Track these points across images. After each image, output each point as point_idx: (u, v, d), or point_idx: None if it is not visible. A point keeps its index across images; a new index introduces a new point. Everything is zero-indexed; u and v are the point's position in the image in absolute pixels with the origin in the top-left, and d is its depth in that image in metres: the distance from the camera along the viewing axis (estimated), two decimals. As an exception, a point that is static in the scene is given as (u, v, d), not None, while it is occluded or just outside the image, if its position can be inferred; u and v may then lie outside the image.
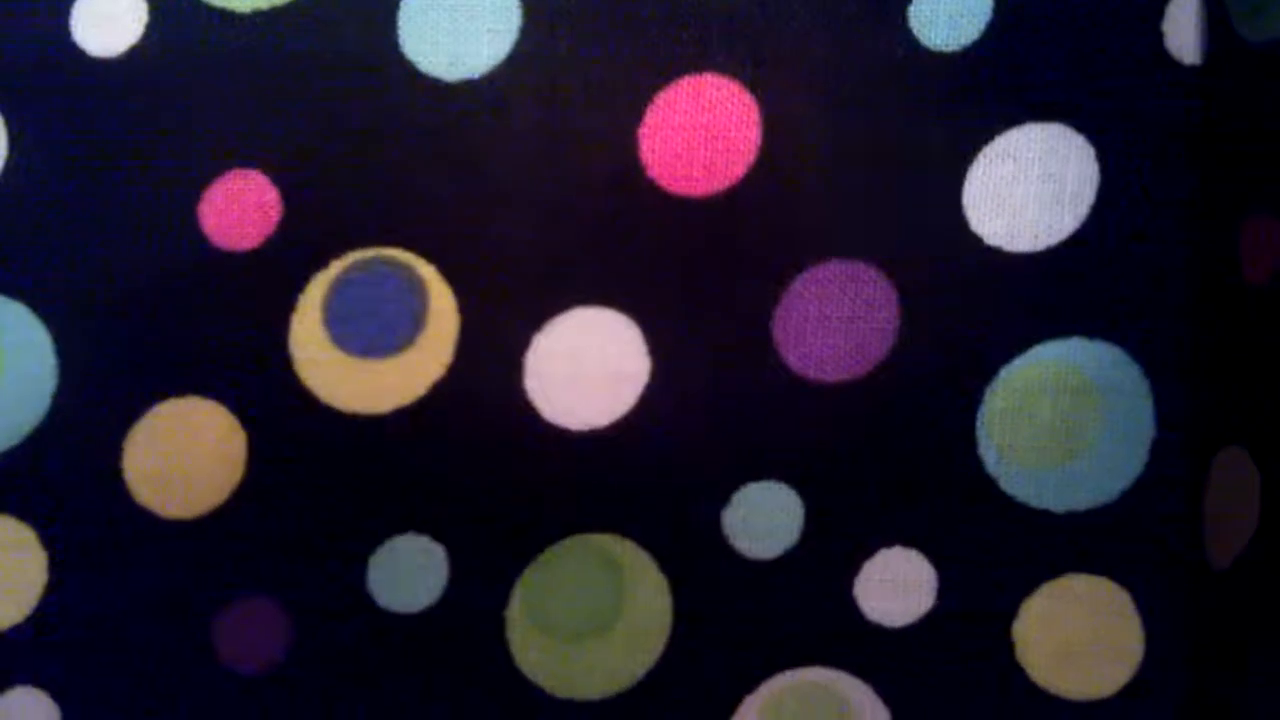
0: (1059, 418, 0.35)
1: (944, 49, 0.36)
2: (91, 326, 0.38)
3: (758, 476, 0.37)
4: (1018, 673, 0.36)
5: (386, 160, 0.38)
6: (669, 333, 0.37)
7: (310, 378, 0.38)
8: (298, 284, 0.38)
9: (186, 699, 0.38)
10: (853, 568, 0.36)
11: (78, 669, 0.38)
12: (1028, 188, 0.36)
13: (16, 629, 0.38)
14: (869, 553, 0.36)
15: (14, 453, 0.39)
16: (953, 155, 0.36)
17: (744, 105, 0.37)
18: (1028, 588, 0.35)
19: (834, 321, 0.37)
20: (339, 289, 0.38)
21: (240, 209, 0.38)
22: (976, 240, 0.36)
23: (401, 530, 0.38)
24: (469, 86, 0.38)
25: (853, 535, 0.36)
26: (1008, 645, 0.36)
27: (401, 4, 0.38)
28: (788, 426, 0.37)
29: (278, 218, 0.38)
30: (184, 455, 0.38)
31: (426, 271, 0.38)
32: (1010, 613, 0.36)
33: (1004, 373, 0.36)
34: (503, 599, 0.37)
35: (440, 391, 0.37)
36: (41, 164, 0.39)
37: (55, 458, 0.38)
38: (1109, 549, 0.35)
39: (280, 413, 0.38)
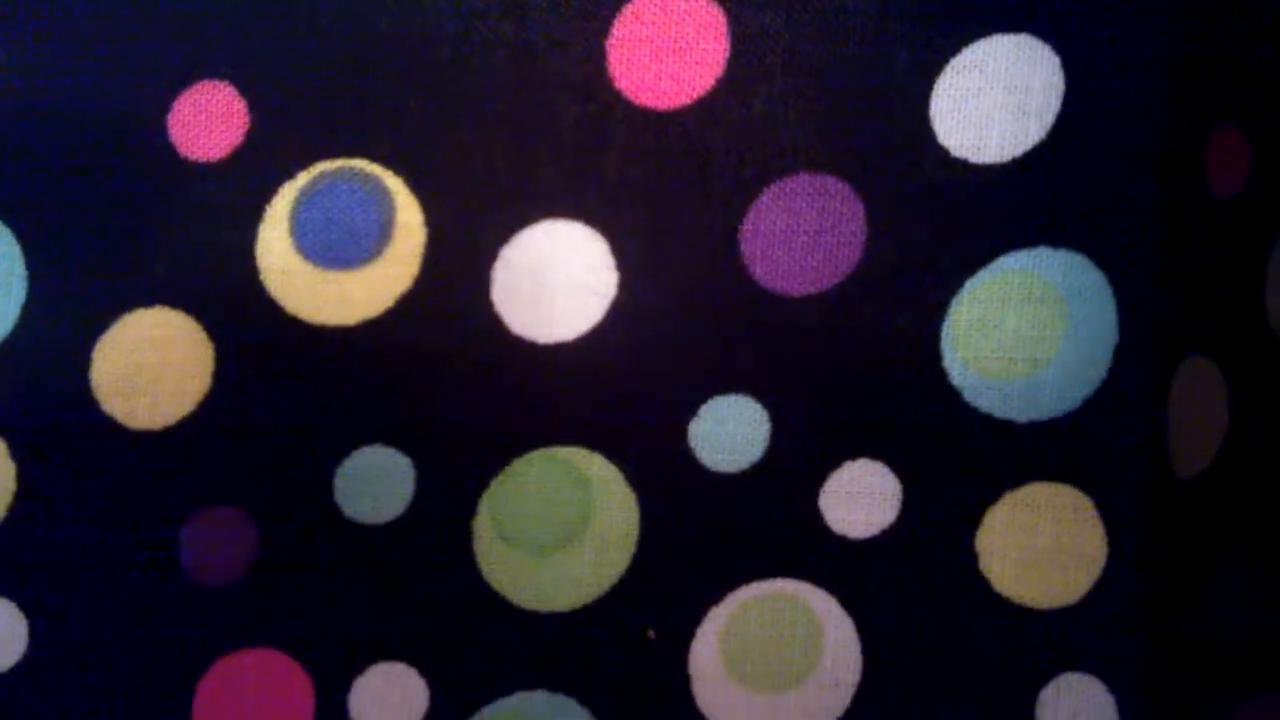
0: (1024, 327, 0.35)
1: (911, -40, 0.36)
2: (61, 236, 0.39)
3: (724, 390, 0.37)
4: (981, 582, 0.36)
5: (354, 72, 0.38)
6: (636, 246, 0.37)
7: (277, 289, 0.38)
8: (265, 195, 0.38)
9: (153, 609, 0.38)
10: (818, 480, 0.36)
11: (45, 580, 0.38)
12: (994, 98, 0.35)
13: (-16, 540, 0.39)
14: (834, 465, 0.36)
15: (-18, 363, 0.39)
16: (919, 67, 0.36)
17: (712, 17, 0.37)
18: (991, 497, 0.35)
19: (801, 234, 0.37)
20: (306, 200, 0.38)
21: (208, 119, 0.38)
22: (943, 152, 0.36)
23: (368, 442, 0.38)
24: (436, -3, 0.38)
25: (818, 448, 0.36)
26: (971, 555, 0.36)
27: (367, -84, 0.38)
28: (754, 340, 0.37)
29: (245, 128, 0.38)
30: (152, 366, 0.38)
31: (394, 183, 0.38)
32: (974, 523, 0.36)
33: (969, 284, 0.36)
34: (469, 511, 0.38)
35: (407, 304, 0.38)
36: (10, 73, 0.39)
37: (24, 368, 0.38)
38: (1072, 456, 0.35)
39: (247, 324, 0.38)
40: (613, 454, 0.37)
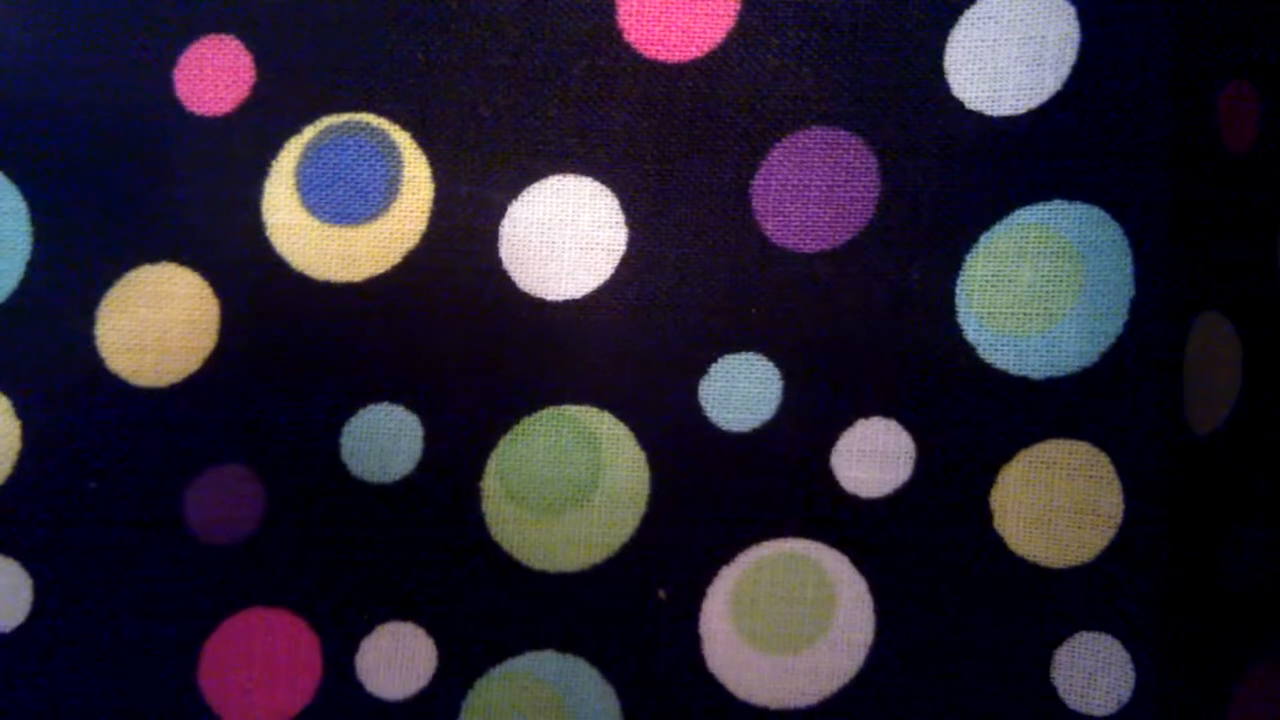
0: (1039, 281, 0.35)
1: (925, -88, 0.36)
2: (66, 193, 0.38)
3: (735, 348, 0.36)
4: (996, 541, 0.35)
5: (360, 26, 0.37)
6: (646, 201, 0.37)
7: (283, 244, 0.37)
8: (271, 149, 0.38)
9: (159, 568, 0.38)
10: (830, 439, 0.36)
11: (50, 538, 0.38)
12: (1009, 50, 0.35)
13: (-10, 498, 0.38)
14: (847, 423, 0.36)
15: (-12, 321, 0.38)
16: (934, 19, 0.35)
17: (722, -31, 0.36)
18: (1006, 455, 0.35)
19: (813, 190, 0.36)
20: (312, 155, 0.37)
21: (214, 74, 0.38)
22: (958, 104, 0.35)
23: (375, 400, 0.37)
24: (444, -50, 0.37)
25: (830, 406, 0.36)
26: (986, 514, 0.35)
27: None
28: (765, 296, 0.36)
29: (251, 82, 0.38)
30: (157, 323, 0.38)
31: (400, 138, 0.37)
32: (988, 481, 0.35)
33: (984, 239, 0.35)
34: (478, 470, 0.37)
35: (415, 260, 0.37)
36: (16, 31, 0.39)
37: (29, 325, 0.38)
38: (1088, 412, 0.34)
39: (253, 280, 0.37)
40: (622, 413, 0.37)
